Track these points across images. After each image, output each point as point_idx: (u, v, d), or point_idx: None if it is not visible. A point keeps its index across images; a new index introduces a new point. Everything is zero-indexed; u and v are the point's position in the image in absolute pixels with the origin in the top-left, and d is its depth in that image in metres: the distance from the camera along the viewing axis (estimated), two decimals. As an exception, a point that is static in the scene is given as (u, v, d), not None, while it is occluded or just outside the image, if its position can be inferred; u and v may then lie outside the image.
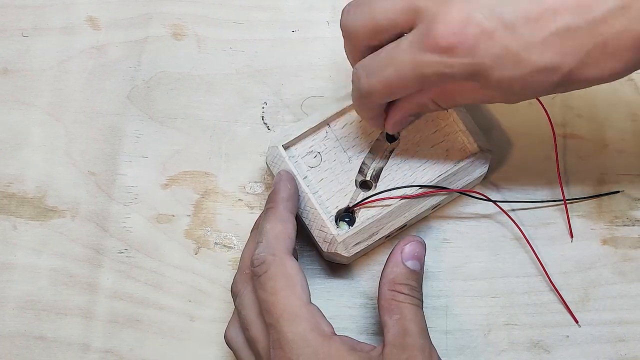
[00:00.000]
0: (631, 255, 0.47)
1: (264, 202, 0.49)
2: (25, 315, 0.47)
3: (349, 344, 0.38)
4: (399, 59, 0.37)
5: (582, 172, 0.49)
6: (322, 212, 0.44)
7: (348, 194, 0.45)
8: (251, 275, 0.40)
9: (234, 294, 0.41)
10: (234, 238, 0.49)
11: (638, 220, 0.48)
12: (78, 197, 0.49)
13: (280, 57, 0.51)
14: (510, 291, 0.47)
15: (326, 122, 0.46)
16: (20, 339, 0.47)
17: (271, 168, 0.45)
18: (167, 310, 0.47)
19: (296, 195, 0.43)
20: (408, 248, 0.41)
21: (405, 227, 0.46)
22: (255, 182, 0.49)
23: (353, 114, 0.46)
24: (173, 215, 0.49)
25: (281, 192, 0.43)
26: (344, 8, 0.40)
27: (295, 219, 0.42)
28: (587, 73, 0.35)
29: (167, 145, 0.50)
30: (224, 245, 0.48)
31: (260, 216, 0.44)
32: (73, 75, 0.52)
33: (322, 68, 0.51)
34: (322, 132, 0.46)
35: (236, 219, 0.49)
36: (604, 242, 0.48)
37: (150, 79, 0.51)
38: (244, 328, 0.40)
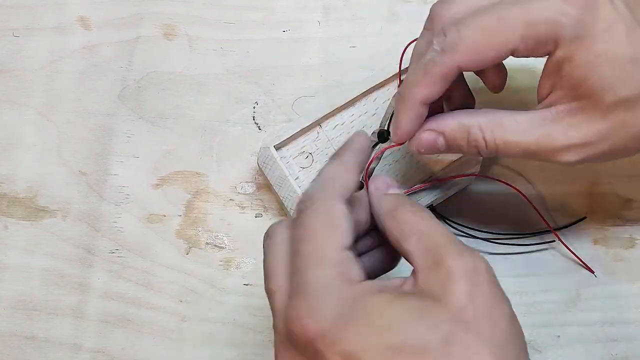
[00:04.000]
0: (622, 255, 0.47)
1: (255, 202, 0.49)
2: (17, 315, 0.47)
3: (377, 286, 0.32)
4: (505, 6, 0.35)
5: (575, 173, 0.49)
6: None
7: None
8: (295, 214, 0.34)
9: (267, 234, 0.35)
10: (225, 238, 0.49)
11: (629, 221, 0.48)
12: (69, 197, 0.49)
13: (271, 57, 0.51)
14: (501, 291, 0.47)
15: (317, 123, 0.46)
16: (12, 339, 0.47)
17: (263, 169, 0.45)
18: (159, 310, 0.47)
19: (368, 154, 0.38)
20: (379, 182, 0.37)
21: None
22: (247, 182, 0.49)
23: (344, 114, 0.46)
24: (164, 215, 0.49)
25: (353, 142, 0.37)
26: None
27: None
28: None
29: (159, 145, 0.50)
30: (215, 245, 0.48)
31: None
32: (65, 75, 0.52)
33: (313, 68, 0.51)
34: (313, 133, 0.46)
35: (227, 219, 0.49)
36: (596, 242, 0.48)
37: (141, 78, 0.51)
38: (265, 277, 0.34)
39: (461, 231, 0.47)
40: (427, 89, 0.37)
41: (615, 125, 0.36)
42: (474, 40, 0.35)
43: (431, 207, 0.45)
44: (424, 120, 0.39)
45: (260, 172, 0.46)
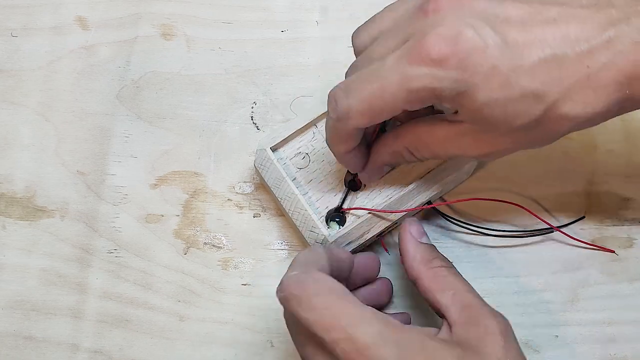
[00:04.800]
0: (620, 255, 0.47)
1: (253, 202, 0.49)
2: (14, 315, 0.47)
3: (423, 332, 0.36)
4: (384, 73, 0.36)
5: (571, 172, 0.49)
6: (312, 213, 0.44)
7: (337, 194, 0.45)
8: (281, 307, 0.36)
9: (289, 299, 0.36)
10: (223, 238, 0.49)
11: (627, 220, 0.48)
12: (67, 197, 0.49)
13: (269, 57, 0.51)
14: (499, 291, 0.47)
15: (313, 123, 0.46)
16: (9, 339, 0.47)
17: (260, 171, 0.45)
18: (157, 310, 0.47)
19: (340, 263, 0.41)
20: (414, 228, 0.41)
21: (397, 224, 0.46)
22: (245, 182, 0.49)
23: None
24: (162, 215, 0.49)
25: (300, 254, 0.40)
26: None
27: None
28: (569, 109, 0.35)
29: (156, 145, 0.50)
30: (213, 245, 0.48)
31: None
32: (62, 75, 0.52)
33: (311, 68, 0.51)
34: (309, 133, 0.46)
35: (225, 219, 0.49)
36: (594, 241, 0.48)
37: (139, 79, 0.51)
38: None
39: (461, 226, 0.47)
40: (342, 144, 0.40)
41: (517, 140, 0.37)
42: (363, 109, 0.37)
43: (428, 204, 0.46)
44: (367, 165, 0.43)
45: (258, 174, 0.46)
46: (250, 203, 0.49)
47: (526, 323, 0.46)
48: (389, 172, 0.45)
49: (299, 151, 0.46)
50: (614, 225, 0.48)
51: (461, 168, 0.45)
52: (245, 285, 0.48)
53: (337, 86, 0.38)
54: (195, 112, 0.51)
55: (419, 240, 0.41)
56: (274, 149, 0.45)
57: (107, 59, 0.52)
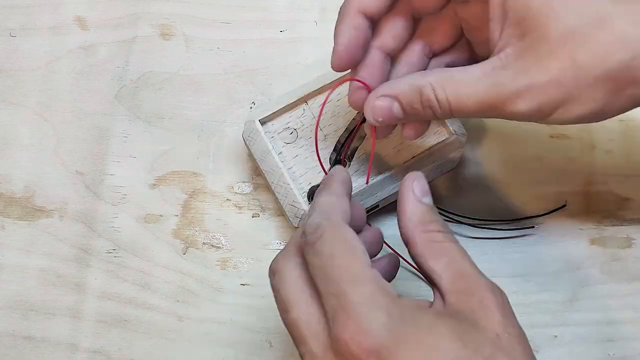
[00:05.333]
0: (619, 255, 0.47)
1: (252, 202, 0.49)
2: (13, 315, 0.47)
3: (415, 303, 0.33)
4: None
5: (570, 172, 0.49)
6: (294, 188, 0.44)
7: (322, 171, 0.45)
8: (300, 246, 0.34)
9: (272, 272, 0.35)
10: (222, 238, 0.49)
11: (626, 220, 0.48)
12: (66, 197, 0.49)
13: (268, 57, 0.52)
14: (498, 291, 0.47)
15: (304, 100, 0.46)
16: (8, 339, 0.47)
17: (247, 142, 0.46)
18: (156, 310, 0.47)
19: (350, 183, 0.38)
20: (418, 185, 0.36)
21: (377, 207, 0.46)
22: (244, 182, 0.49)
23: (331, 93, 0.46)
24: (161, 215, 0.49)
25: (336, 175, 0.37)
26: None
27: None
28: (622, 27, 0.32)
29: (155, 145, 0.50)
30: (212, 245, 0.48)
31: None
32: (61, 75, 0.52)
33: (310, 68, 0.51)
34: (299, 109, 0.47)
35: (224, 219, 0.49)
36: (593, 242, 0.48)
37: (138, 78, 0.51)
38: (283, 310, 0.34)
39: (445, 216, 0.47)
40: None
41: (565, 64, 0.33)
42: None
43: None
44: (378, 87, 0.38)
45: (247, 149, 0.46)
46: (249, 203, 0.49)
47: (525, 323, 0.45)
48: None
49: (287, 126, 0.46)
50: (613, 225, 0.48)
51: (447, 155, 0.45)
52: (244, 285, 0.48)
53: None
54: (194, 112, 0.51)
55: (420, 199, 0.36)
56: (262, 122, 0.46)
57: (106, 59, 0.52)
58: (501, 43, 0.35)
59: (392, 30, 0.39)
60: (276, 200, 0.46)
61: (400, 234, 0.36)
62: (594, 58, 0.32)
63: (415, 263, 0.36)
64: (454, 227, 0.48)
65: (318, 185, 0.45)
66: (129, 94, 0.51)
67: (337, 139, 0.46)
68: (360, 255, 0.33)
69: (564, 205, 0.48)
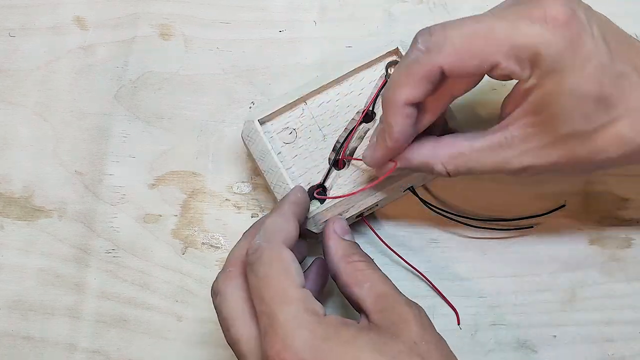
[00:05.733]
0: (619, 255, 0.47)
1: (251, 202, 0.49)
2: (12, 315, 0.47)
3: (340, 321, 0.36)
4: (494, 18, 0.36)
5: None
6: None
7: (321, 171, 0.46)
8: (244, 265, 0.38)
9: (214, 292, 0.39)
10: (221, 238, 0.49)
11: (625, 220, 0.48)
12: (65, 197, 0.49)
13: (267, 57, 0.51)
14: (497, 291, 0.47)
15: (303, 100, 0.46)
16: (7, 339, 0.47)
17: (246, 142, 0.46)
18: (154, 310, 0.47)
19: (305, 205, 0.43)
20: (338, 225, 0.42)
21: (377, 207, 0.46)
22: (243, 182, 0.49)
23: (330, 92, 0.47)
24: (160, 215, 0.49)
25: (290, 196, 0.42)
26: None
27: (304, 236, 0.42)
28: (626, 128, 0.36)
29: (155, 145, 0.50)
30: (211, 245, 0.48)
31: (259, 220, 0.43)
32: (60, 75, 0.52)
33: (309, 68, 0.51)
34: (298, 109, 0.47)
35: (223, 219, 0.49)
36: (592, 242, 0.48)
37: (137, 78, 0.51)
38: (225, 328, 0.38)
39: (445, 216, 0.47)
40: (410, 89, 0.38)
41: (565, 154, 0.38)
42: (460, 44, 0.36)
43: (411, 189, 0.46)
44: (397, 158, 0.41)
45: (246, 150, 0.46)
46: (248, 203, 0.49)
47: (524, 323, 0.46)
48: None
49: (286, 126, 0.46)
50: (612, 225, 0.48)
51: None
52: (243, 285, 0.48)
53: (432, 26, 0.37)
54: (194, 112, 0.51)
55: (341, 237, 0.42)
56: (262, 121, 0.46)
57: (105, 59, 0.52)
58: (510, 120, 0.38)
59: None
60: (275, 200, 0.46)
61: (328, 269, 0.41)
62: (590, 154, 0.37)
63: (343, 293, 0.40)
64: (453, 227, 0.48)
65: (317, 185, 0.45)
66: (128, 94, 0.51)
67: (336, 139, 0.46)
68: (293, 276, 0.36)
69: (563, 205, 0.48)
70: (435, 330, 0.38)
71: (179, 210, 0.49)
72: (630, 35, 0.39)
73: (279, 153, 0.46)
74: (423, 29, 0.38)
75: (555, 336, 0.46)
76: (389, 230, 0.48)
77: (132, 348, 0.47)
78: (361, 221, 0.47)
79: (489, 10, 0.38)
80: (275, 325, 0.35)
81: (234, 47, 0.52)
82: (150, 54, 0.52)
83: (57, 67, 0.52)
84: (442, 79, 0.38)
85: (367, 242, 0.48)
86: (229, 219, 0.49)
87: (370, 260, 0.41)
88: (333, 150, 0.46)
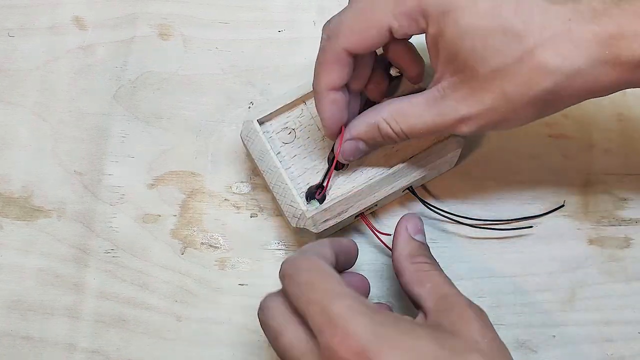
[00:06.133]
0: (618, 255, 0.47)
1: (250, 202, 0.49)
2: (12, 315, 0.47)
3: (396, 314, 0.36)
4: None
5: (568, 172, 0.49)
6: (292, 188, 0.44)
7: (320, 171, 0.46)
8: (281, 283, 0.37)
9: (261, 308, 0.37)
10: (220, 238, 0.49)
11: (624, 220, 0.48)
12: (64, 197, 0.49)
13: (266, 57, 0.51)
14: (497, 291, 0.47)
15: (302, 100, 0.46)
16: (7, 339, 0.47)
17: (245, 142, 0.46)
18: (154, 310, 0.47)
19: (349, 248, 0.41)
20: (412, 224, 0.42)
21: (376, 207, 0.46)
22: (242, 182, 0.49)
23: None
24: (159, 215, 0.49)
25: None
26: None
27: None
28: (548, 57, 0.35)
29: (154, 145, 0.50)
30: (211, 245, 0.48)
31: None
32: (59, 75, 0.52)
33: (308, 68, 0.50)
34: (297, 109, 0.47)
35: (223, 219, 0.49)
36: (591, 242, 0.48)
37: (136, 78, 0.51)
38: (274, 339, 0.36)
39: (444, 216, 0.47)
40: (328, 75, 0.40)
41: (496, 95, 0.37)
42: (353, 23, 0.38)
43: (410, 189, 0.46)
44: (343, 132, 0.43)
45: (245, 149, 0.46)
46: (247, 203, 0.49)
47: (523, 323, 0.46)
48: (365, 155, 0.45)
49: (285, 126, 0.46)
50: (611, 225, 0.48)
51: (445, 155, 0.45)
52: (242, 285, 0.48)
53: None
54: (193, 112, 0.51)
55: (412, 236, 0.42)
56: (261, 121, 0.46)
57: (104, 59, 0.52)
58: (438, 75, 0.39)
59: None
60: (274, 200, 0.46)
61: (393, 266, 0.41)
62: (521, 88, 0.36)
63: (405, 291, 0.40)
64: (452, 227, 0.48)
65: (316, 185, 0.45)
66: (127, 94, 0.51)
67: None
68: (337, 277, 0.35)
69: (562, 205, 0.48)
70: (497, 334, 0.37)
71: (178, 210, 0.49)
72: None
73: (278, 153, 0.46)
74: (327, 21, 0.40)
75: (554, 336, 0.46)
76: (388, 230, 0.48)
77: (132, 348, 0.47)
78: (361, 221, 0.47)
79: None
80: (332, 318, 0.33)
81: (233, 47, 0.52)
82: (149, 54, 0.52)
83: (56, 67, 0.52)
84: (355, 57, 0.40)
85: (366, 241, 0.48)
86: (228, 219, 0.49)
87: (435, 263, 0.41)
88: (332, 150, 0.46)
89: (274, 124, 0.46)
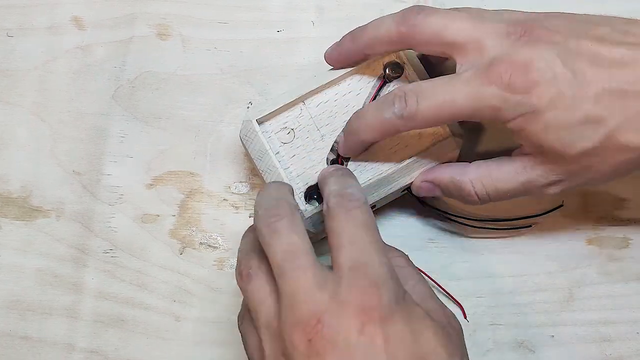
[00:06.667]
0: (616, 255, 0.47)
1: (249, 202, 0.49)
2: (10, 315, 0.47)
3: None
4: (457, 87, 0.39)
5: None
6: None
7: (319, 171, 0.45)
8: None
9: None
10: (219, 238, 0.49)
11: (623, 220, 0.48)
12: (63, 197, 0.49)
13: (265, 57, 0.51)
14: (495, 291, 0.47)
15: (301, 99, 0.46)
16: (5, 339, 0.47)
17: (244, 142, 0.45)
18: (152, 310, 0.47)
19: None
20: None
21: (375, 207, 0.46)
22: (241, 182, 0.50)
23: (329, 92, 0.46)
24: (158, 215, 0.49)
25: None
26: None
27: None
28: (629, 138, 0.37)
29: (152, 145, 0.50)
30: (209, 245, 0.48)
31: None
32: (58, 75, 0.52)
33: (307, 68, 0.51)
34: (296, 109, 0.47)
35: (221, 219, 0.49)
36: (589, 242, 0.48)
37: (135, 79, 0.51)
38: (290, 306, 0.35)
39: (442, 216, 0.47)
40: (377, 137, 0.43)
41: (583, 167, 0.39)
42: (430, 114, 0.40)
43: (407, 189, 0.46)
44: (424, 171, 0.45)
45: (244, 150, 0.46)
46: (246, 203, 0.49)
47: (522, 323, 0.46)
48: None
49: (284, 126, 0.46)
50: (610, 225, 0.48)
51: (444, 156, 0.45)
52: (241, 285, 0.48)
53: (407, 86, 0.41)
54: (191, 112, 0.51)
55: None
56: (260, 121, 0.46)
57: (102, 59, 0.52)
58: (524, 150, 0.41)
59: None
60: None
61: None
62: (606, 162, 0.39)
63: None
64: (451, 226, 0.48)
65: (316, 186, 0.45)
66: (126, 94, 0.51)
67: (335, 139, 0.46)
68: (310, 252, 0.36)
69: (560, 205, 0.48)
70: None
71: (177, 210, 0.49)
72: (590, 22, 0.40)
73: (277, 153, 0.46)
74: (401, 89, 0.41)
75: (553, 336, 0.46)
76: (387, 230, 0.48)
77: (130, 348, 0.47)
78: None
79: (454, 75, 0.40)
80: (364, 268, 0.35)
81: (231, 47, 0.52)
82: (148, 54, 0.52)
83: (54, 67, 0.52)
84: None
85: (365, 242, 0.48)
86: (227, 219, 0.49)
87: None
88: (331, 150, 0.46)
89: (273, 124, 0.46)
